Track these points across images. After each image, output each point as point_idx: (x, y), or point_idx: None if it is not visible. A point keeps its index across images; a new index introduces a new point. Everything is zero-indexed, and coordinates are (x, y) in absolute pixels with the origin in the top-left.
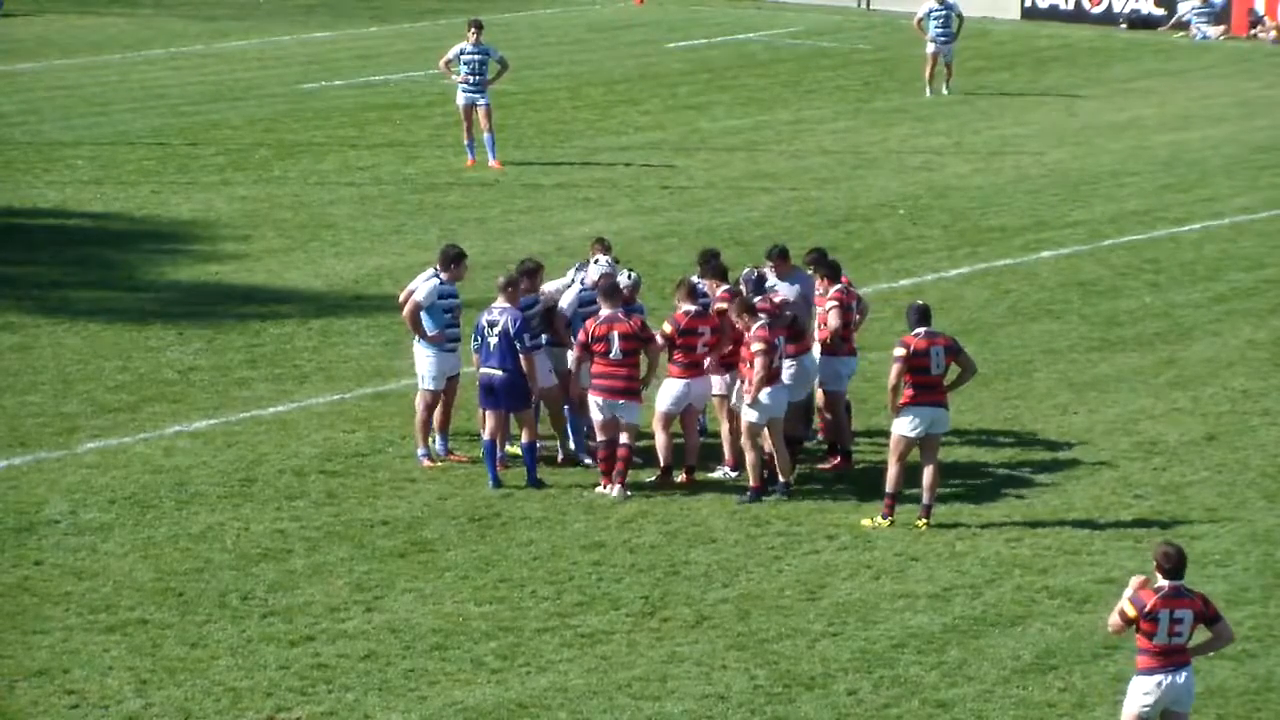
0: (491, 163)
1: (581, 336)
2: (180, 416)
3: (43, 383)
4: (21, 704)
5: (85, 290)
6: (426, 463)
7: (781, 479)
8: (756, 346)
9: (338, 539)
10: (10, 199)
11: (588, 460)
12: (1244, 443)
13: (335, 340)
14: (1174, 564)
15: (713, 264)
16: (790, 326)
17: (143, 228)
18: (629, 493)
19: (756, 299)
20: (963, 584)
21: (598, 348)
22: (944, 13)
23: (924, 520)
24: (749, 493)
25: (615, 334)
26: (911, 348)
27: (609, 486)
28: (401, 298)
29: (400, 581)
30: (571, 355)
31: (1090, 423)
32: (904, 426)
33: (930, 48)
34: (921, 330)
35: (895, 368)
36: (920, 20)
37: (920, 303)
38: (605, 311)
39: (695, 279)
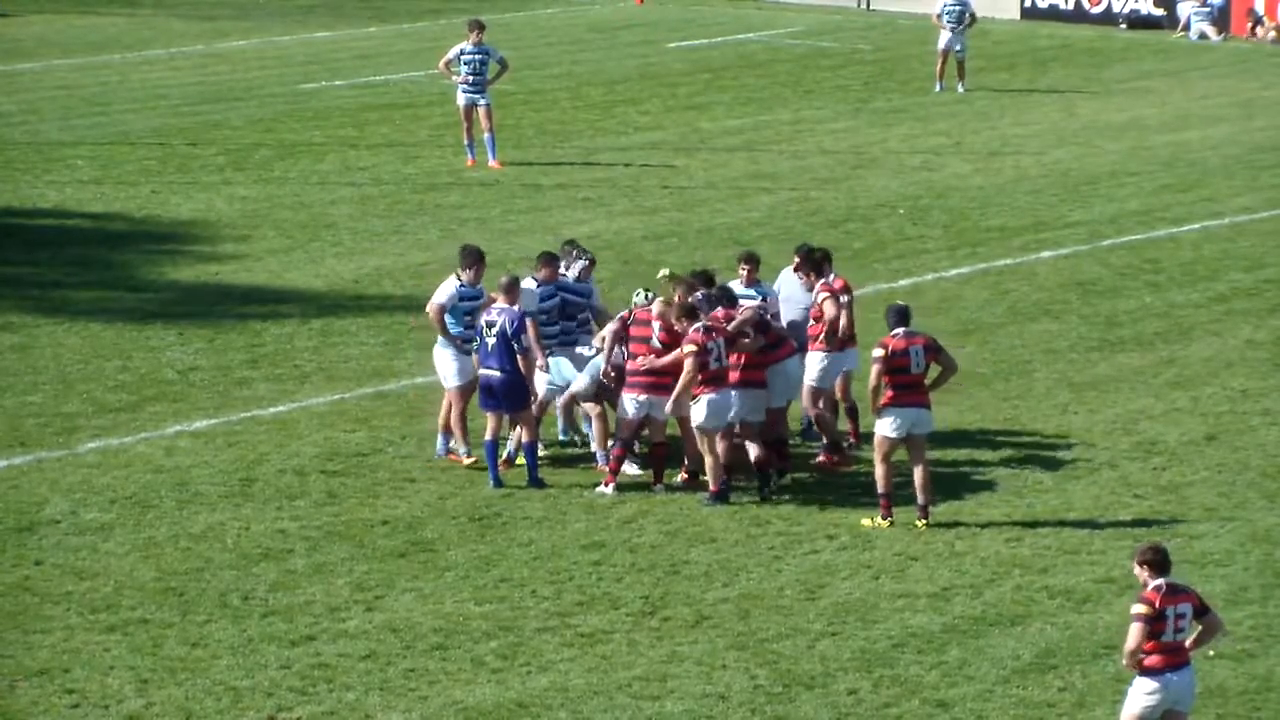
0: (491, 163)
1: (617, 325)
2: (181, 416)
3: (43, 383)
4: (21, 704)
5: (85, 290)
6: (455, 458)
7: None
8: (688, 349)
9: (338, 539)
10: (10, 199)
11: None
12: (1244, 443)
13: (335, 340)
14: (1164, 560)
15: (700, 274)
16: (764, 333)
17: (143, 228)
18: (660, 487)
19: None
20: (963, 584)
21: (638, 347)
22: (958, 9)
23: (923, 520)
24: (708, 495)
25: (657, 326)
26: (890, 348)
27: (609, 485)
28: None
29: (400, 581)
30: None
31: (1090, 423)
32: (885, 427)
33: (942, 43)
34: (900, 330)
35: (874, 369)
36: (938, 15)
37: (900, 303)
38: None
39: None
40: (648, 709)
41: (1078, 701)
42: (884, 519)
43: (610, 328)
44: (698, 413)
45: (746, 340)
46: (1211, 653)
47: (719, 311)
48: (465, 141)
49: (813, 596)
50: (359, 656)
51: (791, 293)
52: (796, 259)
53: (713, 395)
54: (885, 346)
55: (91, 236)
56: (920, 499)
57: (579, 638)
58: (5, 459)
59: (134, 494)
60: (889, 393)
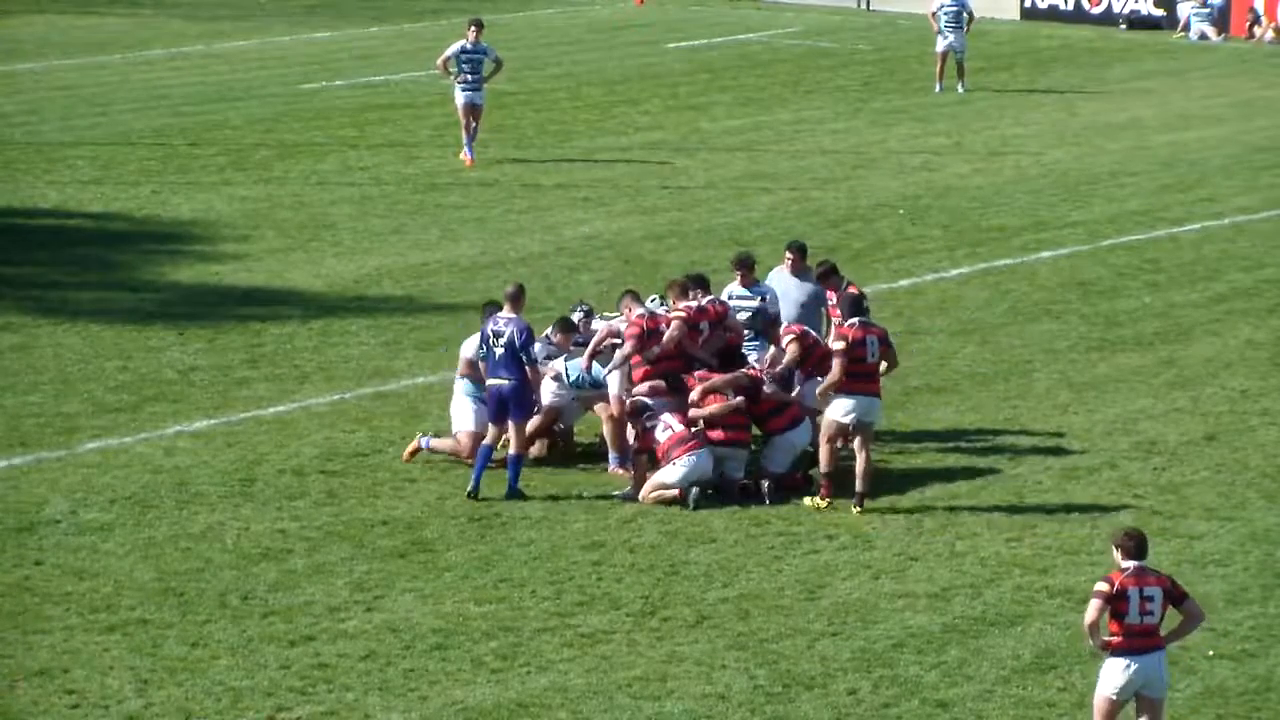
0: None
1: (635, 329)
2: (181, 416)
3: (43, 383)
4: (21, 704)
5: (85, 290)
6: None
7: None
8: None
9: (338, 539)
10: (10, 199)
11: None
12: (1243, 443)
13: (335, 340)
14: (1136, 545)
15: (695, 277)
16: (754, 400)
17: (143, 228)
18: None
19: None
20: (963, 584)
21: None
22: (955, 8)
23: (858, 509)
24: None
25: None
26: (850, 339)
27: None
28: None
29: (400, 581)
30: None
31: (1090, 423)
32: (837, 411)
33: (940, 45)
34: (855, 320)
35: (838, 362)
36: (934, 13)
37: (853, 293)
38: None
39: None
40: (648, 709)
41: (1078, 702)
42: (823, 499)
43: (612, 335)
44: (672, 473)
45: (716, 403)
46: (1211, 652)
47: (703, 371)
48: (465, 141)
49: (813, 596)
50: (359, 657)
51: (787, 289)
52: (790, 256)
53: (692, 457)
54: (845, 338)
55: (91, 236)
56: (860, 487)
57: (579, 638)
58: (5, 459)
59: (134, 494)
60: (842, 379)
